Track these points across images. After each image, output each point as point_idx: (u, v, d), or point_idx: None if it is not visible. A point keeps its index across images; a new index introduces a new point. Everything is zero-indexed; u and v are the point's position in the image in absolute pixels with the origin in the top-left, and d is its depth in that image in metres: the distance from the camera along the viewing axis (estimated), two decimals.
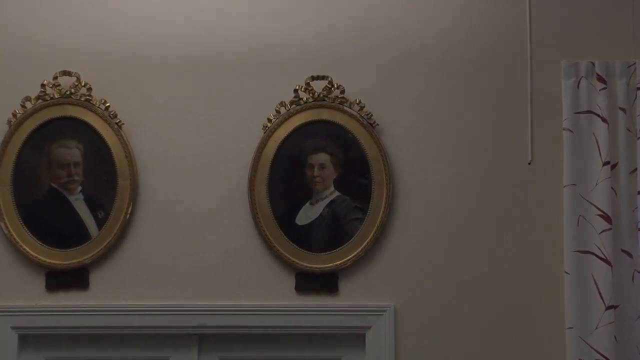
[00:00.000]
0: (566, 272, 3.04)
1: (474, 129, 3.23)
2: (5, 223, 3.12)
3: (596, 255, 3.01)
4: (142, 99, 3.22)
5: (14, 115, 3.17)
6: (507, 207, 3.20)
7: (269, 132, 3.21)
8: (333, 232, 3.19)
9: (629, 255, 3.05)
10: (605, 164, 3.07)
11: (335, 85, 3.22)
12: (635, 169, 3.09)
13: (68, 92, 3.20)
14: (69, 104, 3.19)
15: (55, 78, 3.20)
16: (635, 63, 3.14)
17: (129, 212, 3.16)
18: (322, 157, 3.20)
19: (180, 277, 3.16)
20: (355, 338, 3.15)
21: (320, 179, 3.19)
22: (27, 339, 3.14)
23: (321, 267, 3.17)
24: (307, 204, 3.20)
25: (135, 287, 3.15)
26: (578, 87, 3.14)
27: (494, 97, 3.24)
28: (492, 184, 3.20)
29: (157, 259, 3.17)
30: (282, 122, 3.21)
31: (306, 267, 3.16)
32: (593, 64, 3.14)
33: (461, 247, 3.19)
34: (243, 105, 3.23)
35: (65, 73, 3.20)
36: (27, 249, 3.12)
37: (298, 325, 3.14)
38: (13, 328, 3.10)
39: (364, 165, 3.20)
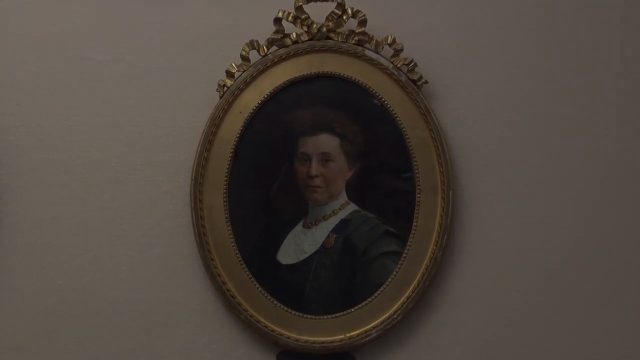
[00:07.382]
0: None
1: (597, 95, 2.62)
2: None
3: None
4: (5, 35, 2.68)
5: None
6: None
7: (229, 96, 2.58)
8: (346, 278, 2.57)
9: None
10: None
11: (350, 12, 2.60)
12: None
13: None
14: None
15: None
16: None
17: None
18: (326, 142, 2.56)
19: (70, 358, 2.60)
20: None
21: (322, 182, 2.55)
22: None
23: (324, 342, 2.56)
24: (299, 226, 2.56)
25: None
26: None
27: (624, 42, 2.61)
28: (628, 190, 2.61)
29: (31, 325, 2.59)
30: (253, 78, 2.58)
31: (297, 341, 2.55)
32: None
33: (575, 303, 2.60)
34: (184, 48, 2.65)
35: None
36: None
37: None
38: None
39: (402, 157, 2.56)
